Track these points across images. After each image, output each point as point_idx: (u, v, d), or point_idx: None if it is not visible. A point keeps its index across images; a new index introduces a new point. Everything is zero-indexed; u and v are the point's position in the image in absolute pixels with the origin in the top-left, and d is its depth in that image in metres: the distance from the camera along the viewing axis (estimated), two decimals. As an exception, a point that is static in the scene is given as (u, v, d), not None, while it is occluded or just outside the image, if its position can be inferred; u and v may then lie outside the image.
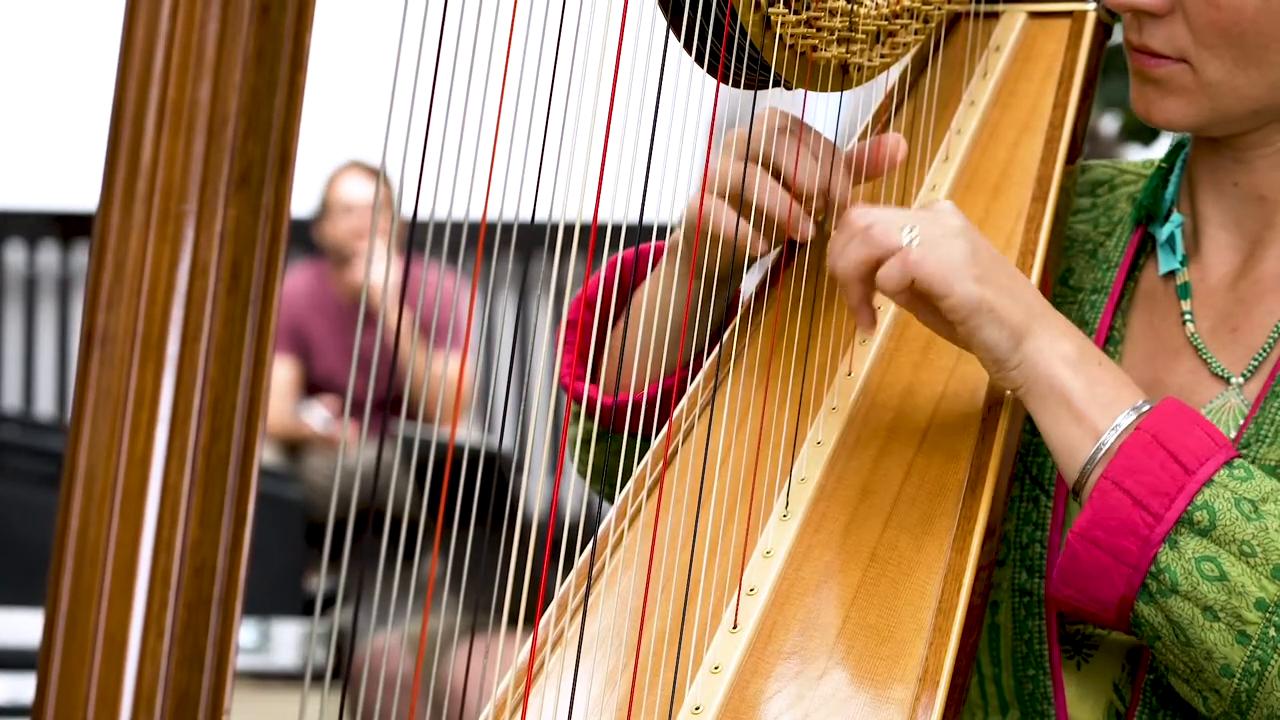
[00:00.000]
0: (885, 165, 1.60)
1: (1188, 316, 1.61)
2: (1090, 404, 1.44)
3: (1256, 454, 1.52)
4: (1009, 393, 1.51)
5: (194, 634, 0.87)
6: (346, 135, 5.65)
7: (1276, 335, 1.57)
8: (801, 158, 1.56)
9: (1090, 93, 1.74)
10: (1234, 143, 1.58)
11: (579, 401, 1.66)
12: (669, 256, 1.62)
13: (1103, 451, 1.43)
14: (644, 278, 1.66)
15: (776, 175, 1.56)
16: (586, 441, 1.68)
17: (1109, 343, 1.63)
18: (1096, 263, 1.67)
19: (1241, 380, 1.57)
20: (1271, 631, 1.39)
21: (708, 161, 1.54)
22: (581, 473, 1.70)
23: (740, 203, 1.56)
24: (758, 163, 1.56)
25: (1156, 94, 1.56)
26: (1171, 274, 1.63)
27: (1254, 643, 1.39)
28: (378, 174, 1.21)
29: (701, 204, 1.56)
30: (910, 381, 1.56)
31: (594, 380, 1.68)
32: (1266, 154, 1.58)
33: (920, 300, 1.45)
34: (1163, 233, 1.63)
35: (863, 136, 1.73)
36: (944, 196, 1.69)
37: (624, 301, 1.67)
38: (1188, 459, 1.42)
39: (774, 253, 1.62)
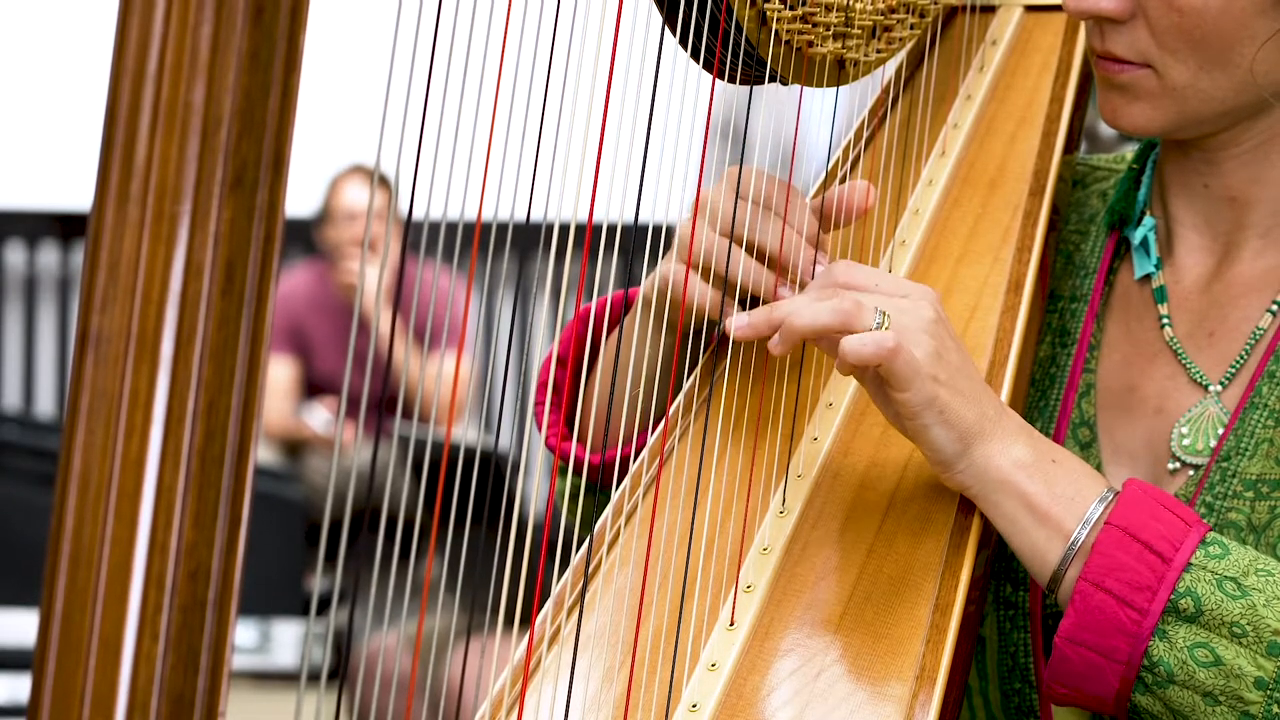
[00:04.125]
0: (855, 214, 1.57)
1: (1165, 320, 1.60)
2: (1052, 504, 1.42)
3: (1237, 467, 1.51)
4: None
5: (189, 636, 0.87)
6: (343, 136, 5.64)
7: (1253, 341, 1.56)
8: (773, 228, 1.53)
9: (1087, 86, 1.74)
10: (1203, 144, 1.57)
11: (564, 459, 1.65)
12: (640, 310, 1.61)
13: (1075, 550, 1.41)
14: (616, 326, 1.65)
15: (749, 244, 1.54)
16: (575, 494, 1.66)
17: (1090, 349, 1.62)
18: (1074, 268, 1.66)
19: (1220, 388, 1.56)
20: (1275, 709, 1.38)
21: (703, 159, 1.54)
22: (571, 523, 1.69)
23: (715, 274, 1.54)
24: (729, 232, 1.54)
25: (1122, 99, 1.54)
26: (1147, 277, 1.62)
27: None
28: (373, 177, 1.21)
29: (684, 274, 1.55)
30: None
31: (571, 432, 1.67)
32: (1236, 154, 1.57)
33: (875, 383, 1.43)
34: (1136, 236, 1.62)
35: (858, 136, 1.73)
36: (941, 191, 1.69)
37: (596, 353, 1.67)
38: (1163, 547, 1.40)
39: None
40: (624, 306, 1.67)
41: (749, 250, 1.54)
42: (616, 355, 1.62)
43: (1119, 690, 1.40)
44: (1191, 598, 1.39)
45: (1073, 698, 1.43)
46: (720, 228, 1.54)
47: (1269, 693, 1.38)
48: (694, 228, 1.54)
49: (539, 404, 1.68)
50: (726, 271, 1.53)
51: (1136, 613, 1.39)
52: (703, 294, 1.54)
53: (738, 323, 1.46)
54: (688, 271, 1.54)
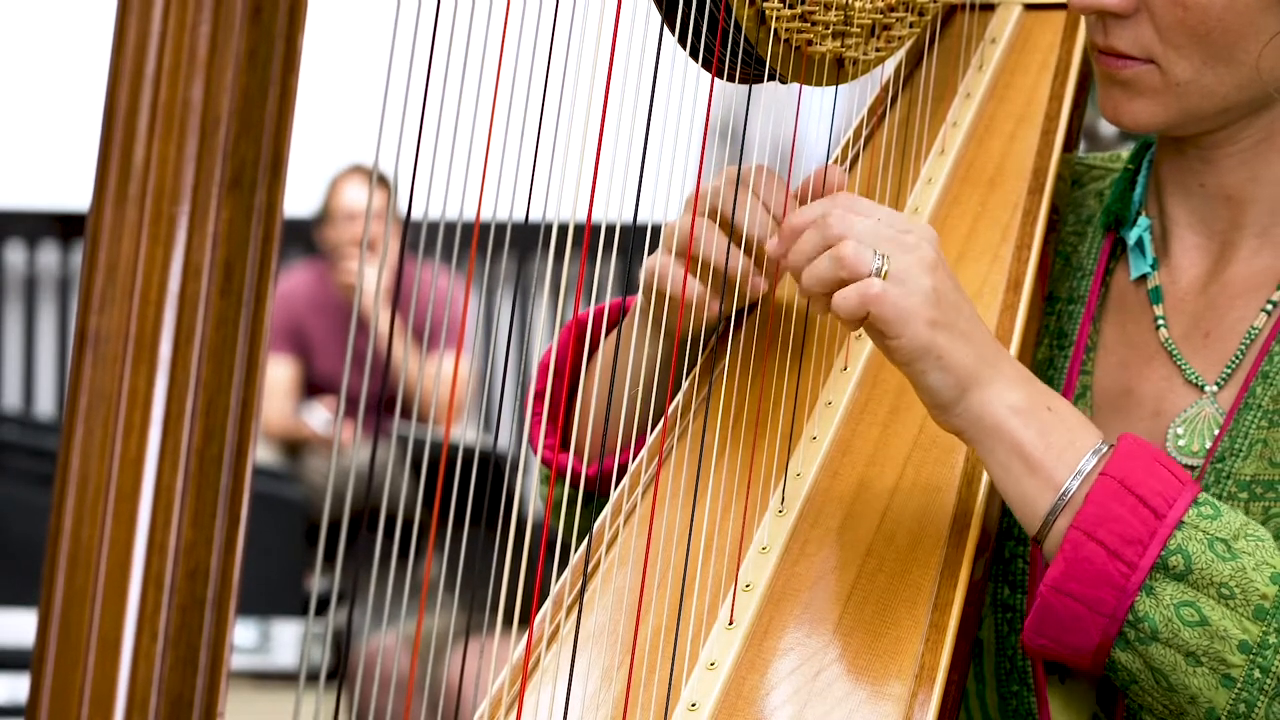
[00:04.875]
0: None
1: (1160, 322, 1.59)
2: (1045, 453, 1.41)
3: (1231, 468, 1.51)
4: None
5: (188, 636, 0.87)
6: (342, 135, 5.64)
7: (1248, 342, 1.56)
8: (759, 217, 1.53)
9: (1086, 84, 1.74)
10: (1200, 142, 1.57)
11: (560, 473, 1.64)
12: (633, 316, 1.60)
13: (1066, 500, 1.40)
14: (612, 330, 1.65)
15: (737, 234, 1.54)
16: (569, 505, 1.66)
17: (1086, 351, 1.62)
18: (1071, 270, 1.66)
19: (1215, 388, 1.56)
20: (1256, 673, 1.38)
21: (702, 158, 1.54)
22: (566, 535, 1.67)
23: (700, 262, 1.54)
24: (717, 219, 1.53)
25: (1124, 96, 1.54)
26: (1143, 278, 1.62)
27: (1239, 685, 1.38)
28: (372, 177, 1.22)
29: (670, 265, 1.54)
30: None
31: (566, 443, 1.67)
32: (1233, 153, 1.56)
33: (873, 331, 1.42)
34: (1131, 236, 1.62)
35: (857, 134, 1.73)
36: (940, 189, 1.69)
37: (592, 359, 1.66)
38: (1157, 502, 1.39)
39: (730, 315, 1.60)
40: (620, 313, 1.66)
41: (736, 240, 1.53)
42: (614, 365, 1.61)
43: (1099, 644, 1.40)
44: (1182, 555, 1.39)
45: (1052, 649, 1.42)
46: (710, 217, 1.54)
47: (1252, 657, 1.38)
48: (693, 220, 1.53)
49: (534, 415, 1.67)
50: (715, 259, 1.53)
51: (1126, 566, 1.39)
52: (690, 287, 1.54)
53: (762, 288, 1.50)
54: (689, 264, 1.54)
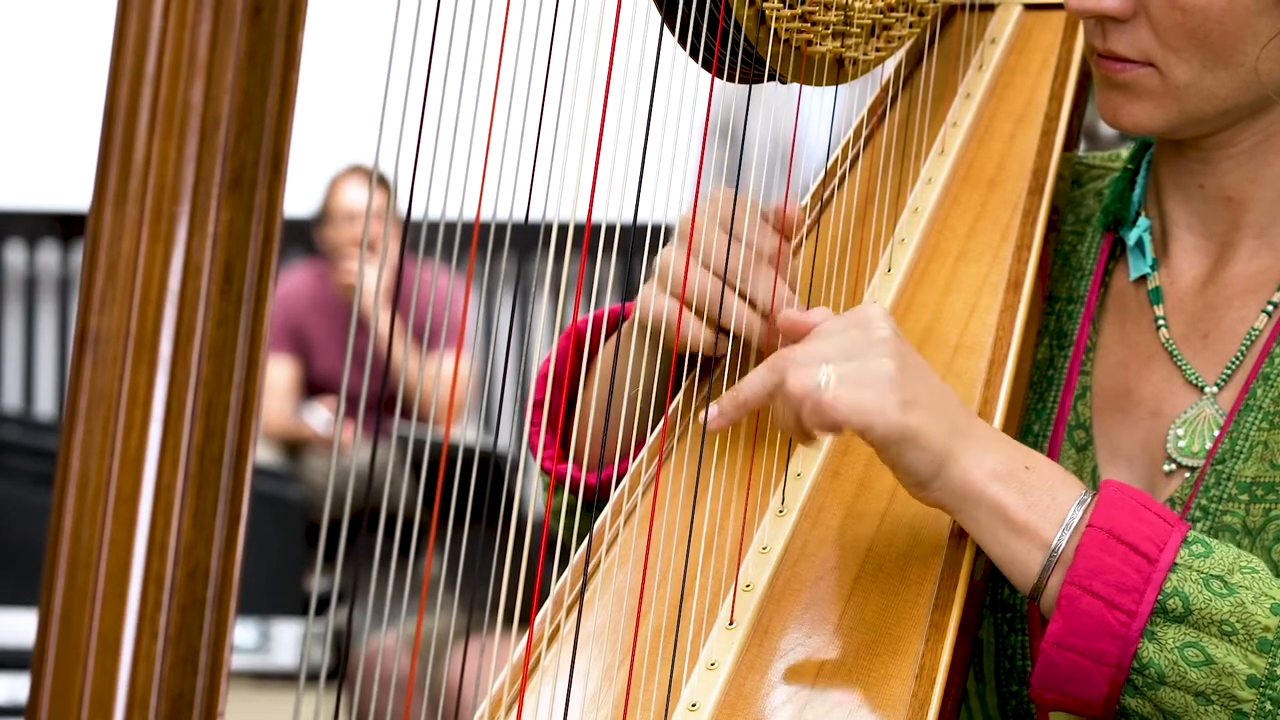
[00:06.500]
0: (793, 232, 1.56)
1: (1161, 322, 1.59)
2: (1029, 513, 1.40)
3: (1232, 469, 1.51)
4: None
5: (188, 635, 0.87)
6: (342, 135, 5.65)
7: (1248, 342, 1.55)
8: (750, 262, 1.52)
9: (1086, 84, 1.74)
10: (1199, 144, 1.57)
11: (560, 480, 1.64)
12: (631, 324, 1.60)
13: (1057, 556, 1.40)
14: (611, 336, 1.65)
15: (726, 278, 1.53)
16: (570, 512, 1.65)
17: (1086, 352, 1.62)
18: (1070, 270, 1.66)
19: (1215, 389, 1.56)
20: (1268, 705, 1.37)
21: (702, 159, 1.54)
22: (566, 541, 1.67)
23: (695, 308, 1.53)
24: (708, 265, 1.53)
25: (1123, 99, 1.54)
26: (1142, 278, 1.62)
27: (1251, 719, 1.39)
28: (372, 177, 1.22)
29: (664, 303, 1.54)
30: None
31: (567, 449, 1.66)
32: (1232, 154, 1.56)
33: (851, 429, 1.41)
34: (1131, 236, 1.62)
35: (857, 134, 1.73)
36: (940, 189, 1.69)
37: (591, 367, 1.66)
38: (1147, 547, 1.39)
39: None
40: (619, 318, 1.66)
41: (723, 280, 1.53)
42: (613, 373, 1.61)
43: (1108, 694, 1.40)
44: (1179, 597, 1.38)
45: (1061, 703, 1.42)
46: (698, 258, 1.54)
47: (1262, 690, 1.37)
48: (688, 257, 1.53)
49: (534, 424, 1.67)
50: (710, 307, 1.53)
51: (1125, 615, 1.38)
52: (686, 322, 1.53)
53: (710, 415, 1.46)
54: (680, 306, 1.54)
